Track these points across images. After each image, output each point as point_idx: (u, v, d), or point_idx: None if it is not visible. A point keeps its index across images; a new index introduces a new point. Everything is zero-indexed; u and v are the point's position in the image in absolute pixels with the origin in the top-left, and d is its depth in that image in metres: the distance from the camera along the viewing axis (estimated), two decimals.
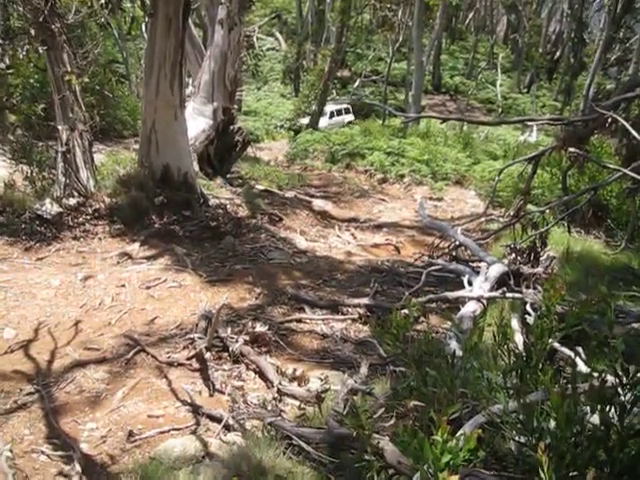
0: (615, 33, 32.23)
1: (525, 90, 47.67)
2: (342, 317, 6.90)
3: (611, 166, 7.42)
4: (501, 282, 6.75)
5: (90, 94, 10.50)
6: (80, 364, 5.61)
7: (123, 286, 7.47)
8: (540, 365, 2.89)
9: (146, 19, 10.54)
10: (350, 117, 31.85)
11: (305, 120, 28.38)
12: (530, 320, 5.06)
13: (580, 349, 4.01)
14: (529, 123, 22.78)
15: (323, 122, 28.65)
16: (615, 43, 37.22)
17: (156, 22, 9.81)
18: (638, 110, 7.81)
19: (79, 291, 7.29)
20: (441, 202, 15.60)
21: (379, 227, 12.41)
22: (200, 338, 5.76)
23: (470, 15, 59.10)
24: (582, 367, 3.70)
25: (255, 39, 34.45)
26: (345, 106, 32.97)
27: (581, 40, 43.60)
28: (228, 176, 14.31)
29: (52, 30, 9.40)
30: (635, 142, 6.38)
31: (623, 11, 31.61)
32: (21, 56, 9.62)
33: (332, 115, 31.15)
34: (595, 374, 2.54)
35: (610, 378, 2.51)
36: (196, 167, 12.32)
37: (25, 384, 5.22)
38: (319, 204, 13.59)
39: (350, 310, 7.03)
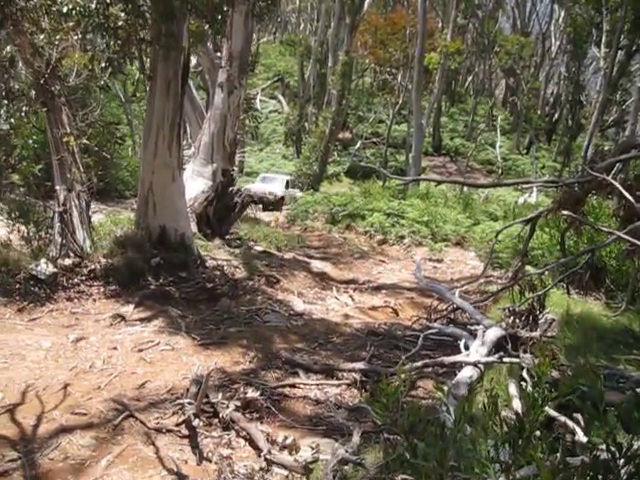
0: (611, 95, 32.81)
1: (524, 151, 48.24)
2: (337, 382, 6.73)
3: (605, 229, 7.37)
4: (498, 346, 6.61)
5: (89, 155, 10.53)
6: (66, 429, 5.42)
7: (115, 349, 7.33)
8: (535, 435, 2.77)
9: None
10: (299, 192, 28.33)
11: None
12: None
13: (579, 416, 3.88)
14: (525, 185, 22.88)
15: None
16: (612, 105, 37.88)
17: (155, 85, 9.95)
18: (634, 171, 7.81)
19: (70, 353, 7.15)
20: (441, 263, 15.54)
21: (378, 289, 12.28)
22: (190, 403, 5.59)
23: (469, 79, 60.48)
24: (581, 436, 3.57)
25: (258, 102, 35.11)
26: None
27: (578, 102, 44.37)
28: (227, 237, 14.32)
29: (52, 92, 9.52)
30: (630, 204, 6.34)
31: (619, 74, 32.27)
32: (20, 116, 9.70)
33: (287, 185, 28.64)
34: (589, 446, 2.43)
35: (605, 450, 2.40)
36: (194, 228, 12.33)
37: (8, 450, 5.03)
38: (318, 265, 13.52)
39: (345, 375, 6.86)
